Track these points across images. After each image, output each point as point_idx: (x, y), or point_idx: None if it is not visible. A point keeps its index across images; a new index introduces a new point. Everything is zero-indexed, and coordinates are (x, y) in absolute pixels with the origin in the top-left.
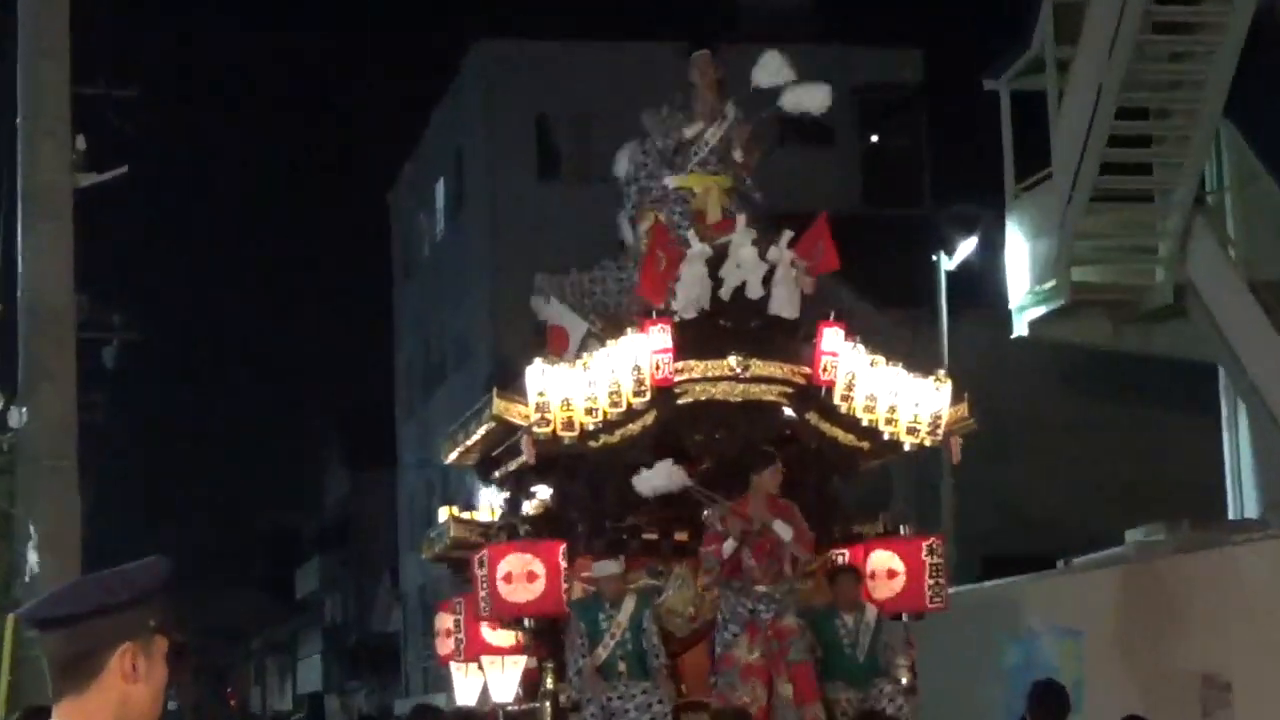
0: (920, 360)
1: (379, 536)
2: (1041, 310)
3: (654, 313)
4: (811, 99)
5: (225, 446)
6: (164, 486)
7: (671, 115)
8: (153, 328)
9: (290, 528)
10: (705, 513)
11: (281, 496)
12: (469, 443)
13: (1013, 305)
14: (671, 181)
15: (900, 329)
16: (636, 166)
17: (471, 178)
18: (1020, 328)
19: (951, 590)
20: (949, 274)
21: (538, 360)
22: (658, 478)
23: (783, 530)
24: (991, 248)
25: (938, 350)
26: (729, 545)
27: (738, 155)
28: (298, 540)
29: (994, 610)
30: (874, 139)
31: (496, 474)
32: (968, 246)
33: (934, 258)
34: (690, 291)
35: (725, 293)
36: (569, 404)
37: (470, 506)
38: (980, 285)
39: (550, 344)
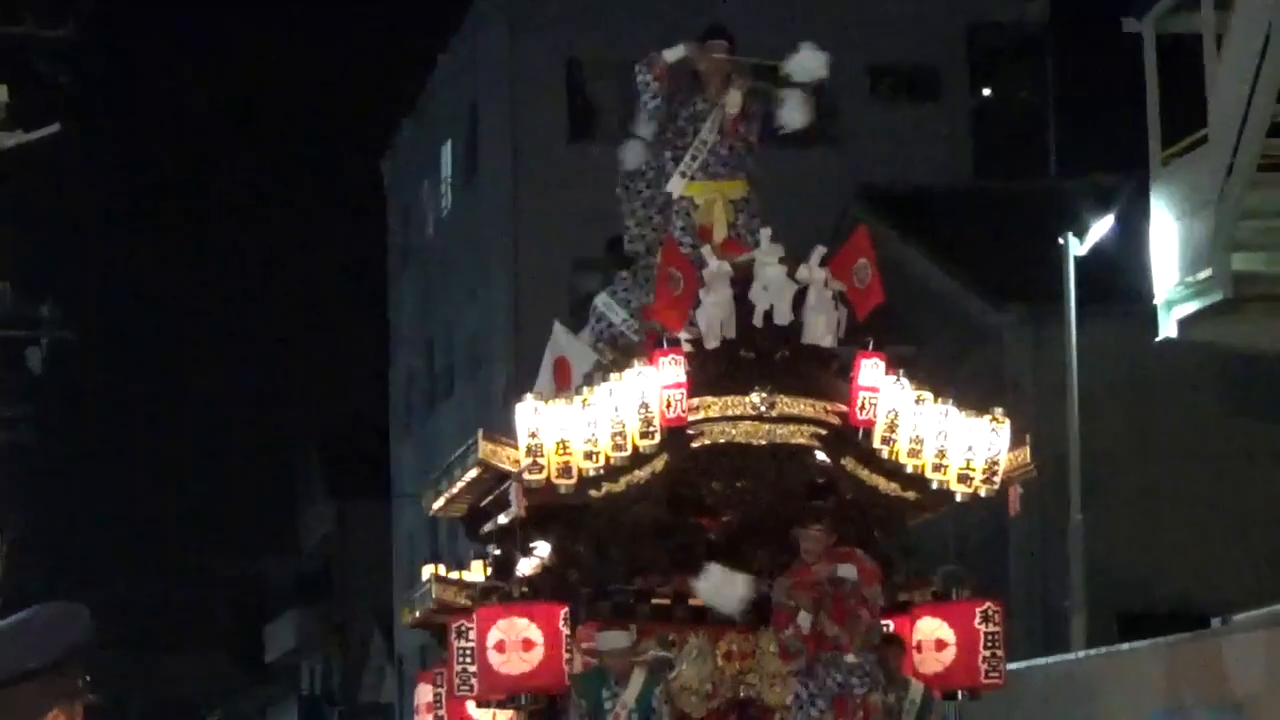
0: (1045, 369)
1: (369, 586)
2: (1194, 306)
3: (664, 341)
4: (803, 68)
5: (181, 473)
6: (104, 522)
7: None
8: (91, 325)
9: (260, 574)
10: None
11: (249, 535)
12: (452, 491)
13: (1158, 300)
14: (676, 187)
15: (1019, 330)
16: (642, 169)
17: (487, 140)
18: (1168, 328)
19: (1081, 654)
20: (1079, 261)
21: (528, 396)
22: (730, 587)
23: (847, 572)
24: (1132, 229)
25: (1064, 356)
26: (805, 619)
27: (739, 129)
28: (269, 590)
29: (1133, 680)
30: (987, 93)
31: (486, 528)
32: (1102, 227)
33: (1061, 241)
34: (713, 317)
35: (754, 318)
36: (566, 447)
37: (479, 555)
38: (1118, 275)
39: (557, 377)
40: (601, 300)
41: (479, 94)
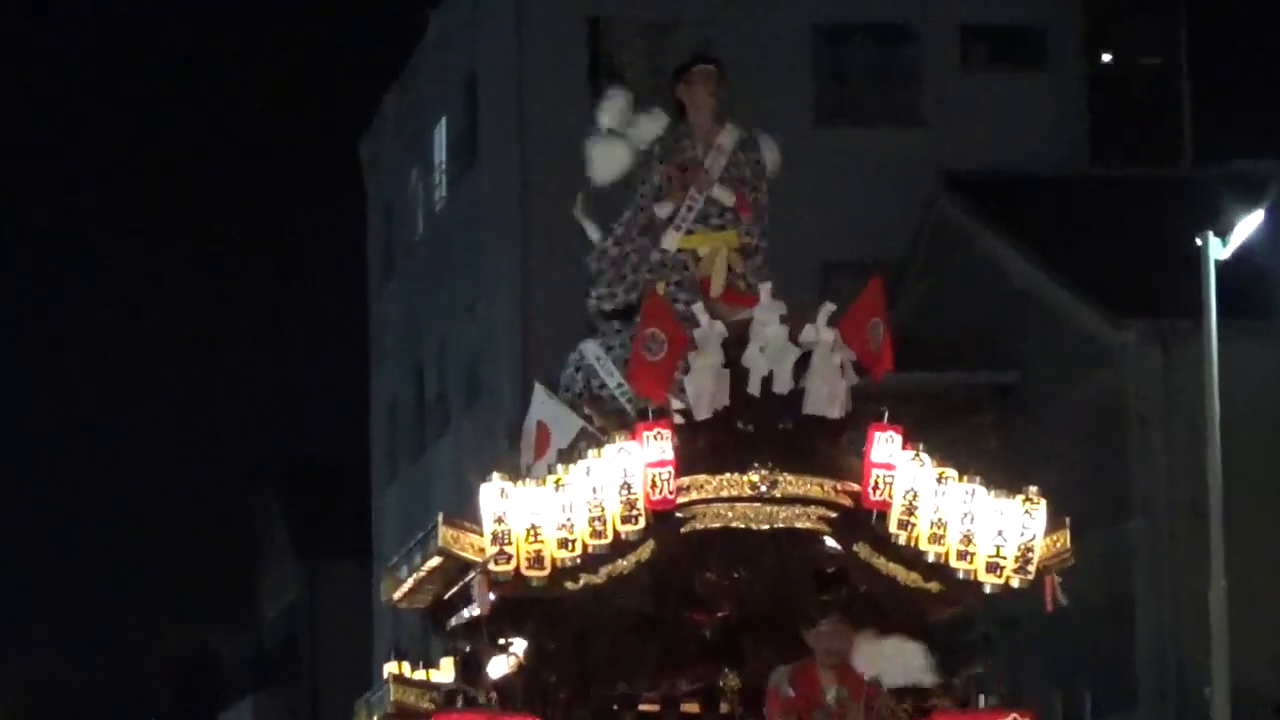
0: (1176, 398)
1: (343, 667)
2: None
3: (650, 412)
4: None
5: (115, 528)
6: (22, 587)
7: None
8: None
9: (211, 652)
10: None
11: (198, 604)
12: (411, 581)
13: None
14: (670, 242)
15: (1144, 350)
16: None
17: (491, 115)
18: None
19: None
20: (1220, 266)
21: (495, 476)
22: None
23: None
24: None
25: (1200, 382)
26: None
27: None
28: (222, 671)
29: None
30: (1106, 59)
31: (453, 622)
32: (1249, 225)
33: (1198, 242)
34: (703, 384)
35: (750, 386)
36: (536, 533)
37: (448, 651)
38: (1266, 284)
39: (537, 444)
40: (590, 350)
41: (479, 61)
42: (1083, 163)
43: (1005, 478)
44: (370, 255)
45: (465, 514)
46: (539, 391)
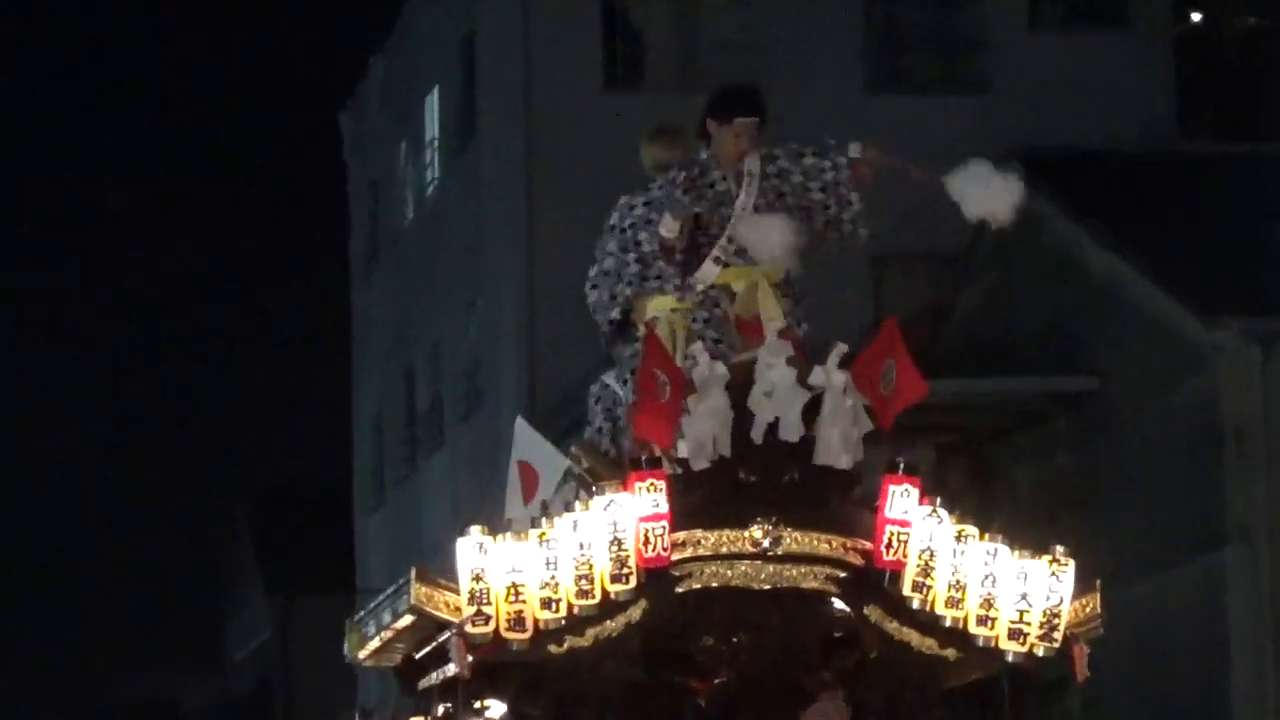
0: None
1: (319, 712)
2: None
3: (642, 461)
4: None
5: (65, 562)
6: None
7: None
8: None
9: (171, 699)
10: None
11: (158, 645)
12: (379, 640)
13: None
14: (707, 275)
15: (1243, 354)
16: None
17: (489, 86)
18: None
19: None
20: None
21: (473, 530)
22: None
23: None
24: None
25: None
26: None
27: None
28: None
29: None
30: (1196, 19)
31: (425, 683)
32: None
33: None
34: (703, 431)
35: (753, 433)
36: (518, 592)
37: (418, 710)
38: None
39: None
40: (612, 381)
41: (479, 22)
42: (1169, 137)
43: (1078, 497)
44: (352, 244)
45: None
46: (521, 427)
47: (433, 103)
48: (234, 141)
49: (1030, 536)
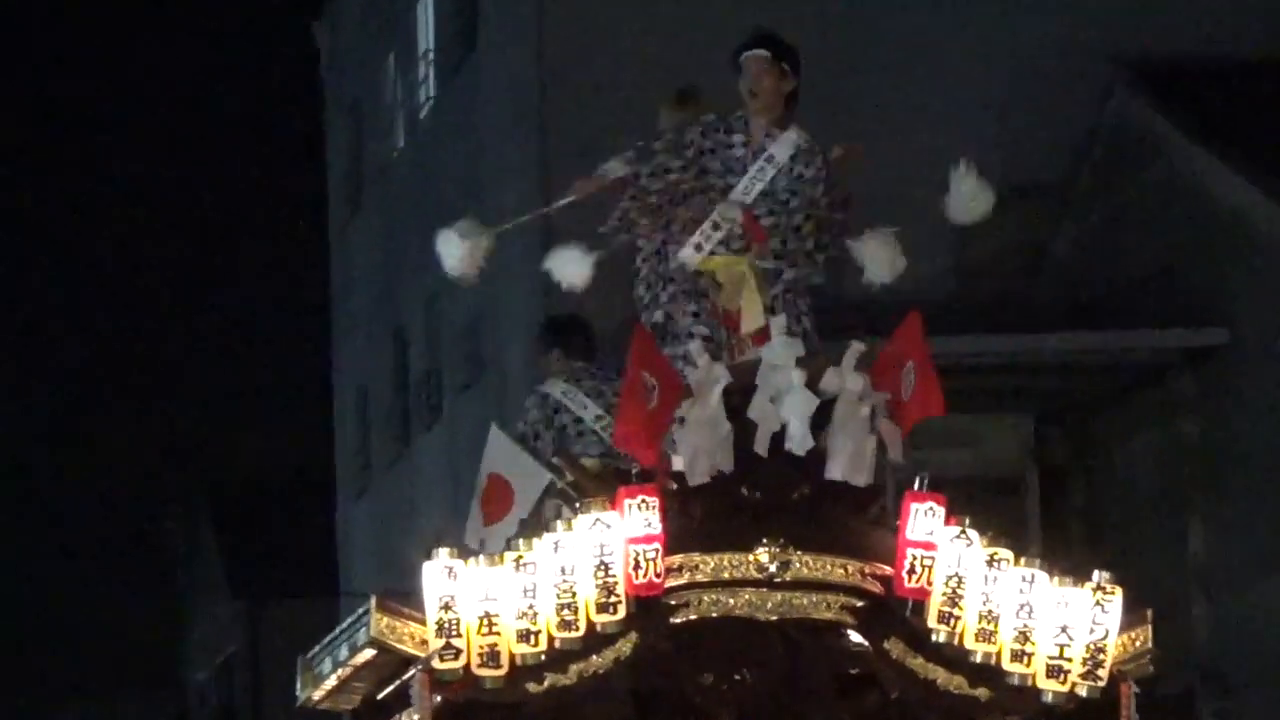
0: None
1: None
2: None
3: (635, 475)
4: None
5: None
6: None
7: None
8: None
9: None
10: None
11: (110, 659)
12: (335, 679)
13: None
14: (688, 259)
15: None
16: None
17: None
18: None
19: None
20: None
21: (441, 551)
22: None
23: None
24: None
25: None
26: None
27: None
28: None
29: None
30: None
31: None
32: None
33: None
34: (701, 442)
35: (757, 445)
36: (491, 623)
37: None
38: None
39: (486, 505)
40: (557, 388)
41: None
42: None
43: (1205, 473)
44: (331, 180)
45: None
46: (495, 435)
47: (425, 8)
48: (187, 58)
49: (1148, 525)
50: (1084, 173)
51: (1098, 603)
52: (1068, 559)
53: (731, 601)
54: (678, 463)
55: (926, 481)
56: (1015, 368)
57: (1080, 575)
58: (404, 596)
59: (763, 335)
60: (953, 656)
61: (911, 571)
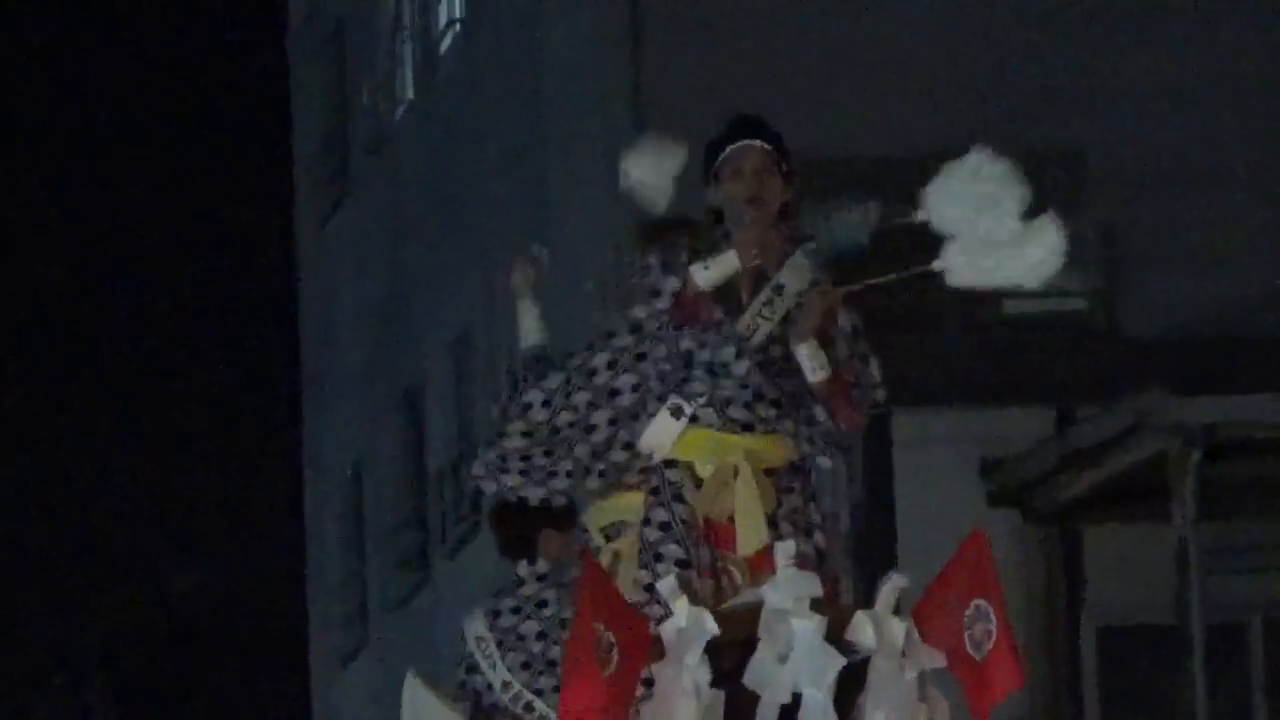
0: None
1: None
2: None
3: None
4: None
5: None
6: None
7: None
8: None
9: None
10: None
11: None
12: None
13: None
14: (655, 442)
15: None
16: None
17: None
18: None
19: None
20: None
21: None
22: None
23: None
24: None
25: None
26: None
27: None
28: None
29: None
30: None
31: None
32: None
33: None
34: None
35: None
36: None
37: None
38: None
39: None
40: (472, 630)
41: None
42: None
43: None
44: (297, 150)
45: None
46: (410, 685)
47: None
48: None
49: None
50: None
51: None
52: None
53: None
54: None
55: None
56: None
57: None
58: None
59: (763, 560)
60: None
61: None
